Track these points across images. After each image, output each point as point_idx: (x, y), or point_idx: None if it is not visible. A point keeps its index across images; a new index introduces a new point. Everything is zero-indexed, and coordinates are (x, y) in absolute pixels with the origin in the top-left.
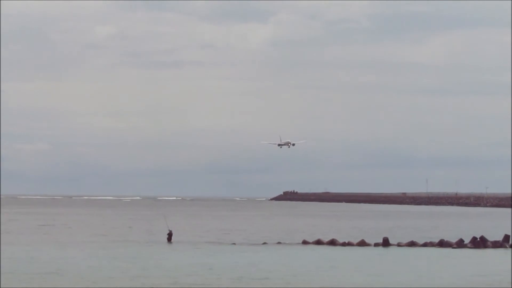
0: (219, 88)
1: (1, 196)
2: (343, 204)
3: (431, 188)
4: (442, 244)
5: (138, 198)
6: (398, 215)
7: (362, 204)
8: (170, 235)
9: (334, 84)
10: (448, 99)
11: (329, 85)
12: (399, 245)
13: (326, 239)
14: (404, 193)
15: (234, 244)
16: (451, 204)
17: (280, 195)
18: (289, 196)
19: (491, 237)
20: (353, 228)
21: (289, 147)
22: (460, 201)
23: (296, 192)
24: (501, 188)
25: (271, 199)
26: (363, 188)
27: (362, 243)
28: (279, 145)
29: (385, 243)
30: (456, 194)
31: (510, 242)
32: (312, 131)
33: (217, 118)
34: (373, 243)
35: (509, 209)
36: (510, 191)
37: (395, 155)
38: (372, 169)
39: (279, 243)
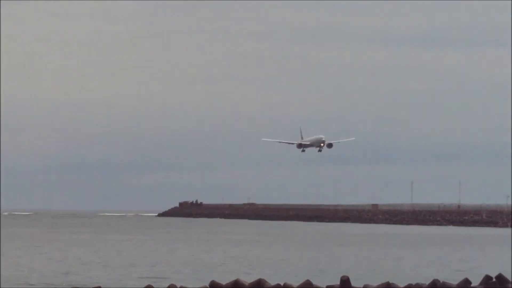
0: None
1: None
2: (277, 222)
3: None
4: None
5: None
6: (362, 239)
7: (307, 223)
8: None
9: None
10: None
11: None
12: None
13: (249, 279)
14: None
15: None
16: None
17: (174, 208)
18: (187, 210)
19: None
20: (292, 261)
21: (320, 150)
22: None
23: (200, 203)
24: None
25: (160, 215)
26: (309, 197)
27: (307, 285)
28: (299, 146)
29: (345, 285)
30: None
31: None
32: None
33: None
34: (325, 286)
35: None
36: None
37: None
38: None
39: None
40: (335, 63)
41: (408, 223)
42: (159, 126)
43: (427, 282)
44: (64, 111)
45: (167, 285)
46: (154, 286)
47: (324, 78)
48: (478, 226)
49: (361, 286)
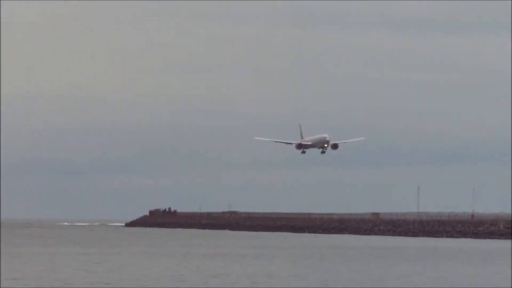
0: None
1: None
2: (262, 233)
3: None
4: None
5: None
6: (361, 253)
7: (297, 235)
8: None
9: None
10: None
11: None
12: None
13: None
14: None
15: None
16: None
17: (143, 217)
18: (159, 219)
19: None
20: (280, 277)
21: (323, 151)
22: None
23: (174, 212)
24: None
25: (127, 224)
26: (299, 205)
27: None
28: (299, 146)
29: None
30: None
31: None
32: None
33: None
34: None
35: None
36: None
37: None
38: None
39: None
40: (338, 50)
41: (414, 234)
42: (127, 120)
43: None
44: (16, 105)
45: None
46: None
47: (328, 69)
48: (495, 238)
49: None
